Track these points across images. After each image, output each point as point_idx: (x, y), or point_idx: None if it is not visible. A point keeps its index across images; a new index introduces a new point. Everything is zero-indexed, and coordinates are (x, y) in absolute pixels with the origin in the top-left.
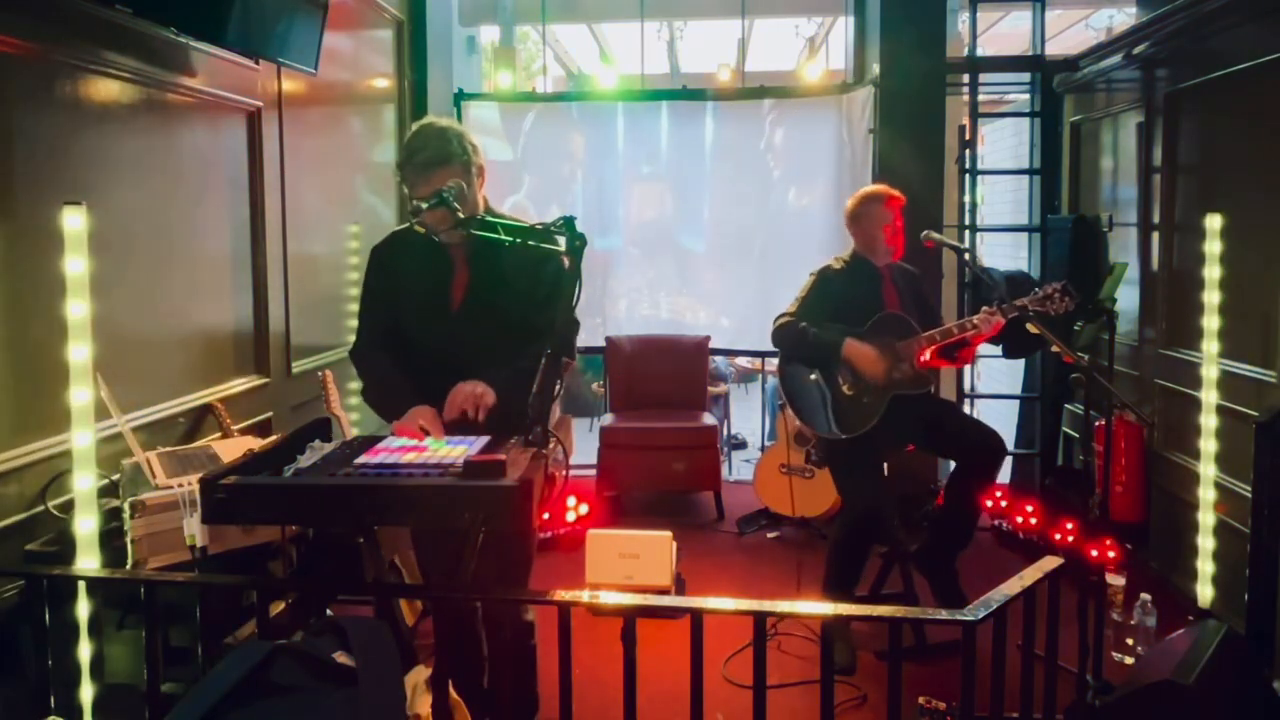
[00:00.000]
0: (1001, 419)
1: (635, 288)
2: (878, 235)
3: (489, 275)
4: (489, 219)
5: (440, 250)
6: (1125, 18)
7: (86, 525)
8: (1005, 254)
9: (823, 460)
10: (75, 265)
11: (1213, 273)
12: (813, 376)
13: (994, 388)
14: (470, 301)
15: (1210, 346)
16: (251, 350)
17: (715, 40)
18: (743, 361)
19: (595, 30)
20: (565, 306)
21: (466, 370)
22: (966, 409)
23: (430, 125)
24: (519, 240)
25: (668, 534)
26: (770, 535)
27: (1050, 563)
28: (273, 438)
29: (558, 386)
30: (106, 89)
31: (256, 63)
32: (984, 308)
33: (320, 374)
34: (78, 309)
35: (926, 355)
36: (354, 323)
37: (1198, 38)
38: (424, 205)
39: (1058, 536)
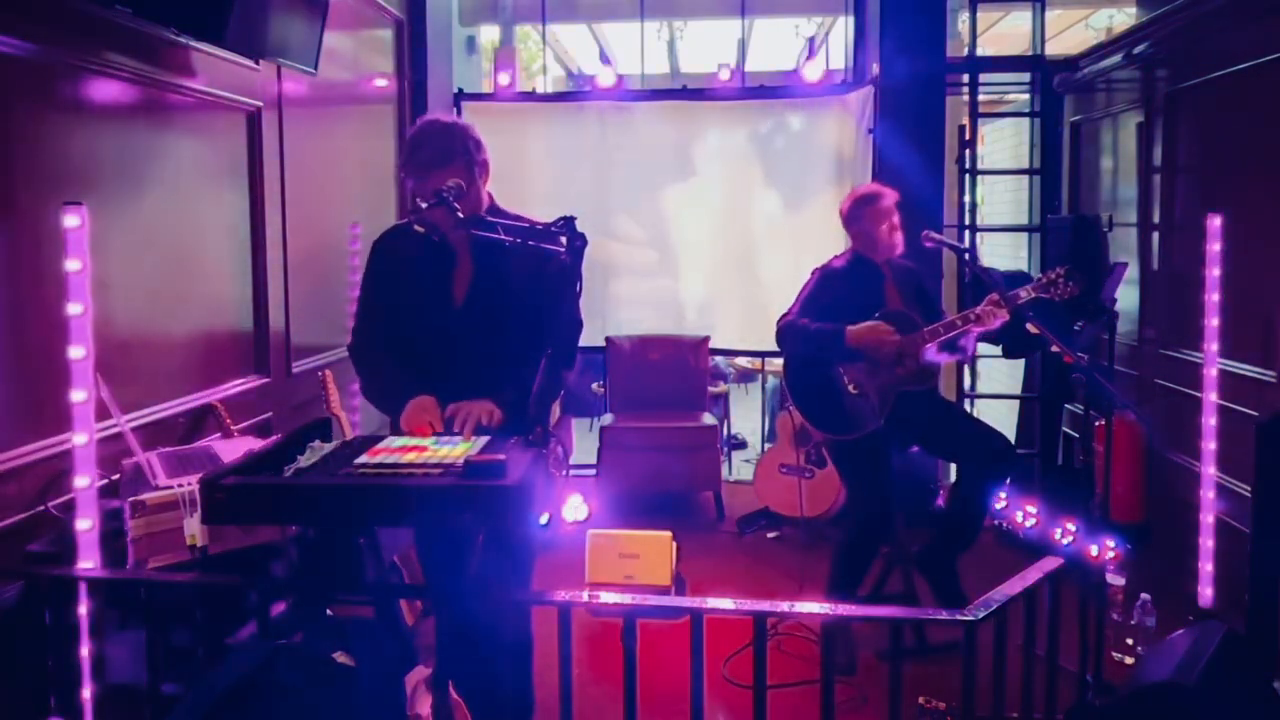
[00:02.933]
0: (1001, 419)
1: (635, 288)
2: (875, 233)
3: (493, 271)
4: (489, 219)
5: (444, 245)
6: (1125, 18)
7: (86, 525)
8: (1005, 254)
9: (830, 462)
10: (75, 265)
11: (1213, 273)
12: (820, 375)
13: (994, 388)
14: (474, 297)
15: (1210, 346)
16: (251, 350)
17: (715, 40)
18: (743, 361)
19: (595, 30)
20: (568, 307)
21: (468, 366)
22: (966, 409)
23: (432, 123)
24: (519, 240)
25: (668, 534)
26: (770, 535)
27: (1050, 563)
28: (273, 438)
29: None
30: (106, 89)
31: (256, 63)
32: (988, 299)
33: (320, 374)
34: (78, 309)
35: (931, 349)
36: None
37: (1198, 38)
38: (423, 205)
39: (1058, 536)
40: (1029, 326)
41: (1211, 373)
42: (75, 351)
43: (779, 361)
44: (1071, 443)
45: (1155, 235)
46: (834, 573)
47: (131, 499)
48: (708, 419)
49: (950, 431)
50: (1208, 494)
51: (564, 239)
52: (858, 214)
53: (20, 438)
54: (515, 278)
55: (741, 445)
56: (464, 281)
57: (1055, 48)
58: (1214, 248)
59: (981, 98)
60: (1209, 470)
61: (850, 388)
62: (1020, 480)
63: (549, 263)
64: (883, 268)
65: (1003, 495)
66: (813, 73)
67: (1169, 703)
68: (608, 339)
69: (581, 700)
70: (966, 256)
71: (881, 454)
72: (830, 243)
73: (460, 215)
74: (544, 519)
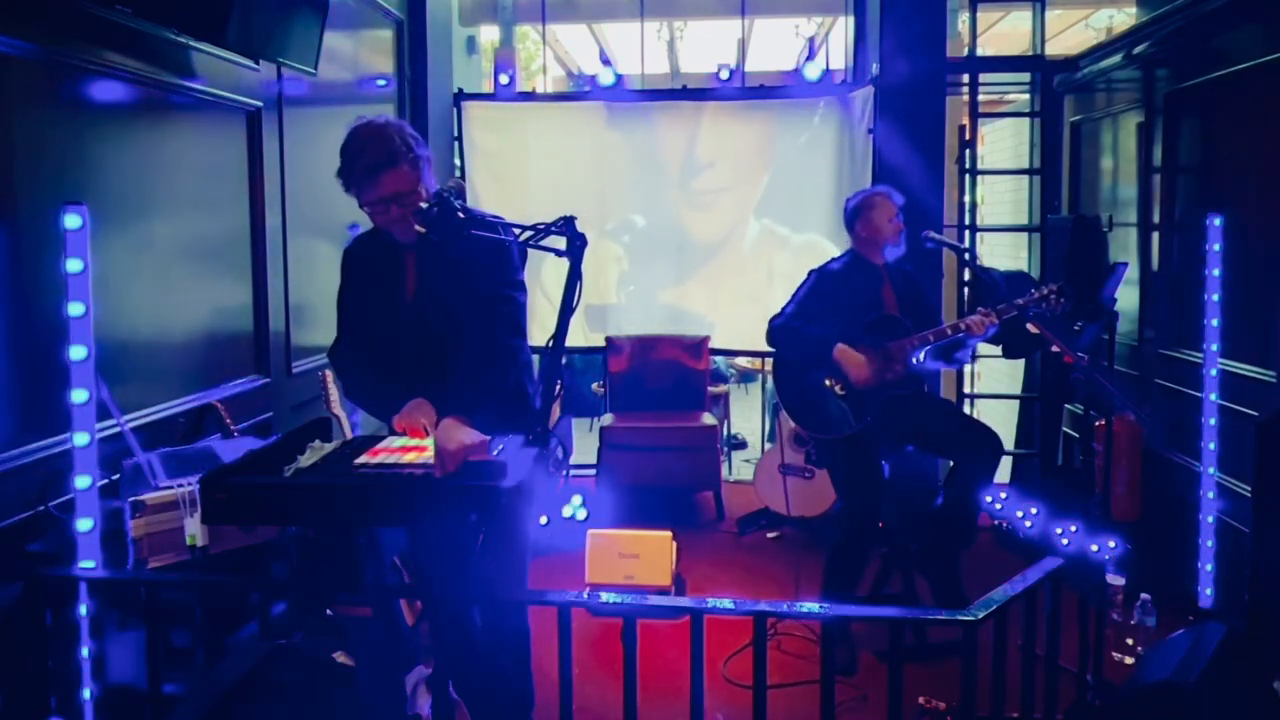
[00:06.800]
0: (1001, 419)
1: (635, 288)
2: (884, 228)
3: (435, 271)
4: (489, 219)
5: (395, 250)
6: (1125, 18)
7: (86, 525)
8: (1005, 254)
9: (821, 462)
10: (75, 265)
11: (1213, 273)
12: (808, 376)
13: (994, 388)
14: (420, 298)
15: (1210, 346)
16: (251, 350)
17: (715, 40)
18: (743, 361)
19: (595, 30)
20: (494, 282)
21: (433, 364)
22: (966, 409)
23: (365, 127)
24: (518, 239)
25: (668, 534)
26: (770, 535)
27: (1050, 563)
28: (273, 438)
29: (558, 386)
30: (106, 89)
31: (256, 63)
32: (979, 309)
33: (320, 374)
34: (78, 309)
35: (921, 356)
36: None
37: (1198, 38)
38: (424, 205)
39: (1058, 536)
40: (1029, 327)
41: (1211, 373)
42: (75, 351)
43: None
44: (1071, 443)
45: (1155, 235)
46: (828, 575)
47: (131, 499)
48: (708, 419)
49: (939, 429)
50: (1208, 494)
51: (563, 239)
52: (865, 209)
53: (20, 438)
54: (456, 275)
55: (741, 445)
56: (411, 281)
57: (1055, 48)
58: (1214, 248)
59: (981, 98)
60: (1209, 470)
61: (836, 388)
62: (1020, 480)
63: (483, 253)
64: (881, 270)
65: (1003, 494)
66: (813, 73)
67: (1169, 703)
68: (608, 339)
69: (581, 700)
70: (966, 256)
71: (870, 454)
72: (830, 243)
73: (462, 215)
74: (544, 519)
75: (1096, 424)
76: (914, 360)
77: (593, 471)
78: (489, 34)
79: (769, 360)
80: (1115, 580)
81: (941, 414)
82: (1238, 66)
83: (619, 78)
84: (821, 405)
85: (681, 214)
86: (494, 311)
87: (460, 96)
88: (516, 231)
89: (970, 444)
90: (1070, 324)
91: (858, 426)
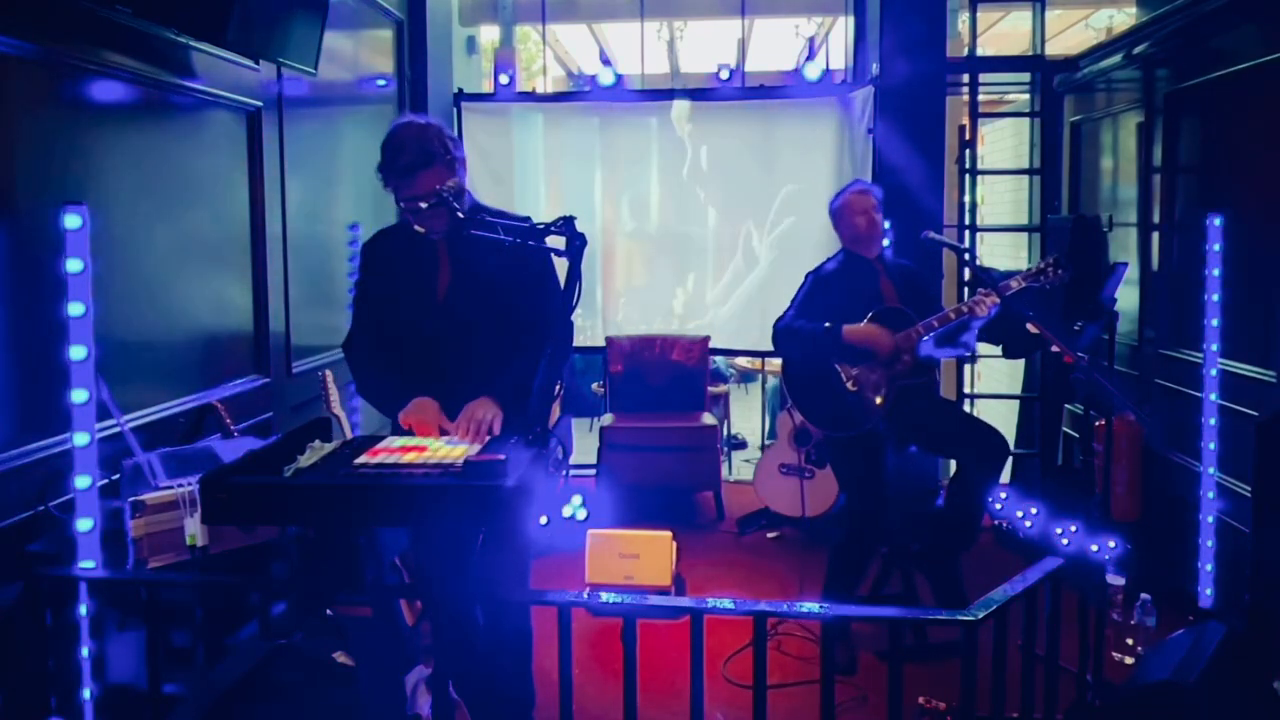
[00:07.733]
0: (1001, 419)
1: (635, 288)
2: (859, 223)
3: (471, 266)
4: (488, 218)
5: (425, 244)
6: (1125, 18)
7: (86, 525)
8: (1005, 254)
9: (827, 461)
10: (75, 265)
11: (1213, 273)
12: (818, 373)
13: (994, 388)
14: (454, 292)
15: (1210, 347)
16: (251, 350)
17: (715, 40)
18: (743, 361)
19: (595, 30)
20: (553, 303)
21: (453, 362)
22: (966, 409)
23: (407, 126)
24: (517, 239)
25: (668, 534)
26: (770, 535)
27: (1050, 563)
28: (273, 438)
29: (558, 387)
30: (106, 89)
31: (256, 63)
32: (980, 290)
33: (320, 374)
34: (78, 309)
35: (928, 344)
36: None
37: (1198, 38)
38: (423, 205)
39: (1058, 536)
40: (1029, 327)
41: (1211, 373)
42: (75, 351)
43: (779, 361)
44: (1071, 443)
45: (1155, 235)
46: (830, 573)
47: (131, 499)
48: (708, 419)
49: (947, 429)
50: (1208, 494)
51: (563, 239)
52: (843, 208)
53: (20, 438)
54: (492, 274)
55: (741, 445)
56: (445, 276)
57: (1055, 48)
58: (1214, 248)
59: (981, 98)
60: (1209, 470)
61: (849, 385)
62: (1020, 480)
63: (529, 261)
64: (875, 264)
65: (1003, 495)
66: (813, 73)
67: (1169, 703)
68: (608, 339)
69: (581, 700)
70: (965, 256)
71: (878, 453)
72: (830, 243)
73: (461, 215)
74: (544, 519)
75: (1096, 424)
76: (922, 348)
77: (593, 471)
78: (489, 34)
79: (769, 360)
80: (1115, 580)
81: (949, 414)
82: (1237, 66)
83: (619, 78)
84: (835, 402)
85: (680, 213)
86: (565, 334)
87: (460, 96)
88: (513, 232)
89: (977, 445)
90: (1070, 324)
91: (871, 423)
